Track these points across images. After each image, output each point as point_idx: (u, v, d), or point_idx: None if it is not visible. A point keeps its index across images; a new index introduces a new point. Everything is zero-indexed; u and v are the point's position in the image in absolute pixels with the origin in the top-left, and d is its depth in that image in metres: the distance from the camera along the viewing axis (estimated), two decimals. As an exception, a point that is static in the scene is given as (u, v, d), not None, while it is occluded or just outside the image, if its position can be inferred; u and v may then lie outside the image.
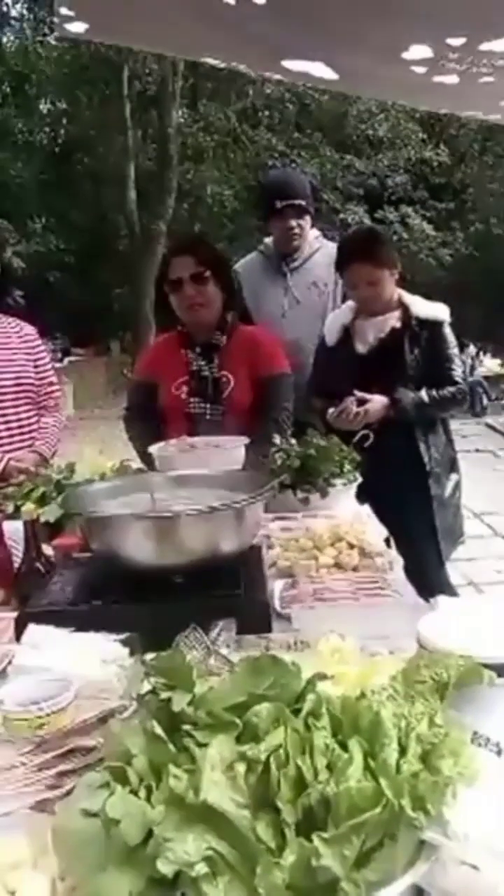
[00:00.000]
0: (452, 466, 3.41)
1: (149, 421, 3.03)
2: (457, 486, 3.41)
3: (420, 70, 3.18)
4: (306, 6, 2.68)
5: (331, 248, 3.77)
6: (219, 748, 0.87)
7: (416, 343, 3.25)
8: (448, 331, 3.30)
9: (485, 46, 2.87)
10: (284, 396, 3.07)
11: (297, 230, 3.73)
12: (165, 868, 0.79)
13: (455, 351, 3.35)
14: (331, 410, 3.17)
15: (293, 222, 3.71)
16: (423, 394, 3.19)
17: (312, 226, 3.86)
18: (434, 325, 3.27)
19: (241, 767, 0.85)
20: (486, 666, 1.07)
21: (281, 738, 0.88)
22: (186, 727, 0.92)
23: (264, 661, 0.99)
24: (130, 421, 3.18)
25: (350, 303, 3.39)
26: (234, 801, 0.83)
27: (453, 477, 3.39)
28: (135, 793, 0.87)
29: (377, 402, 3.15)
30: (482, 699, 1.06)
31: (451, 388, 3.23)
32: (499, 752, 1.00)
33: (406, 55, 3.01)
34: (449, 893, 0.84)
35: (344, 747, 0.88)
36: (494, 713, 1.06)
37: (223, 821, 0.82)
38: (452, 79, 3.27)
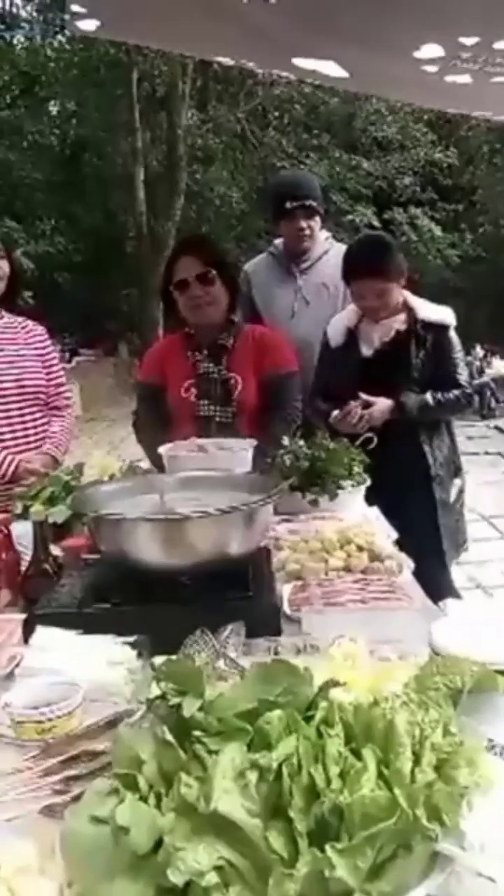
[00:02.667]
0: (457, 472, 3.40)
1: (158, 423, 3.02)
2: (461, 491, 3.40)
3: (432, 69, 3.16)
4: (318, 3, 2.67)
5: (341, 249, 3.76)
6: (230, 756, 0.86)
7: (422, 346, 3.24)
8: (453, 334, 3.29)
9: (498, 45, 2.85)
10: (293, 395, 3.08)
11: (307, 231, 3.72)
12: (176, 878, 0.78)
13: (460, 355, 3.33)
14: (335, 413, 3.16)
15: (303, 223, 3.70)
16: (428, 396, 3.18)
17: (322, 227, 3.87)
18: (439, 329, 3.26)
19: (252, 776, 0.85)
20: (500, 672, 1.06)
21: (293, 745, 0.87)
22: (197, 733, 0.91)
23: (276, 667, 0.99)
24: (139, 424, 3.18)
25: (353, 305, 3.38)
26: (245, 809, 0.82)
27: (457, 482, 3.38)
28: (144, 800, 0.87)
29: (382, 404, 3.14)
30: (496, 706, 1.05)
31: (456, 392, 3.22)
32: (514, 761, 0.99)
33: (418, 54, 2.99)
34: (465, 906, 0.83)
35: (357, 755, 0.87)
36: (509, 720, 1.05)
37: (235, 830, 0.81)
38: (465, 78, 3.25)
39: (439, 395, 3.18)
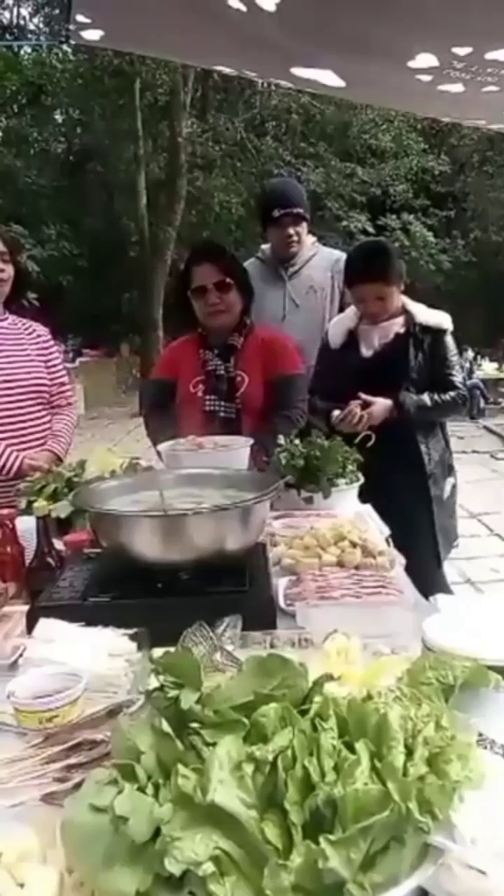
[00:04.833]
0: (450, 470, 3.45)
1: (167, 418, 3.11)
2: (454, 489, 3.46)
3: (426, 78, 3.19)
4: (315, 14, 2.68)
5: (327, 252, 3.91)
6: (227, 748, 0.87)
7: (419, 349, 3.30)
8: (450, 338, 3.36)
9: (490, 55, 2.87)
10: (298, 396, 3.17)
11: (294, 237, 3.82)
12: (173, 867, 0.79)
13: (456, 358, 3.41)
14: (335, 413, 3.19)
15: (290, 230, 3.80)
16: (426, 397, 3.23)
17: (310, 232, 3.95)
18: (437, 333, 3.32)
19: (248, 768, 0.86)
20: (492, 668, 1.07)
21: (288, 738, 0.88)
22: (194, 725, 0.92)
23: (272, 661, 0.99)
24: (150, 417, 3.27)
25: (354, 308, 3.42)
26: (241, 801, 0.83)
27: (450, 480, 3.44)
28: (143, 790, 0.87)
29: (381, 404, 3.17)
30: (488, 702, 1.07)
31: (452, 393, 3.29)
32: (504, 755, 1.01)
33: (412, 63, 3.01)
34: (455, 897, 0.84)
35: (351, 749, 0.88)
36: (500, 716, 1.06)
37: (231, 821, 0.82)
38: (457, 87, 3.28)
39: (436, 396, 3.24)
